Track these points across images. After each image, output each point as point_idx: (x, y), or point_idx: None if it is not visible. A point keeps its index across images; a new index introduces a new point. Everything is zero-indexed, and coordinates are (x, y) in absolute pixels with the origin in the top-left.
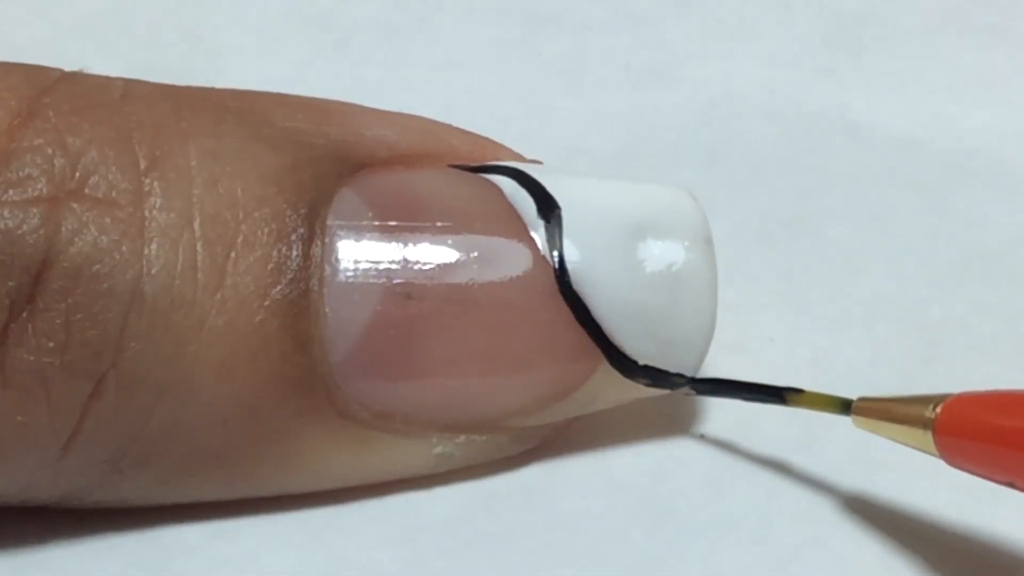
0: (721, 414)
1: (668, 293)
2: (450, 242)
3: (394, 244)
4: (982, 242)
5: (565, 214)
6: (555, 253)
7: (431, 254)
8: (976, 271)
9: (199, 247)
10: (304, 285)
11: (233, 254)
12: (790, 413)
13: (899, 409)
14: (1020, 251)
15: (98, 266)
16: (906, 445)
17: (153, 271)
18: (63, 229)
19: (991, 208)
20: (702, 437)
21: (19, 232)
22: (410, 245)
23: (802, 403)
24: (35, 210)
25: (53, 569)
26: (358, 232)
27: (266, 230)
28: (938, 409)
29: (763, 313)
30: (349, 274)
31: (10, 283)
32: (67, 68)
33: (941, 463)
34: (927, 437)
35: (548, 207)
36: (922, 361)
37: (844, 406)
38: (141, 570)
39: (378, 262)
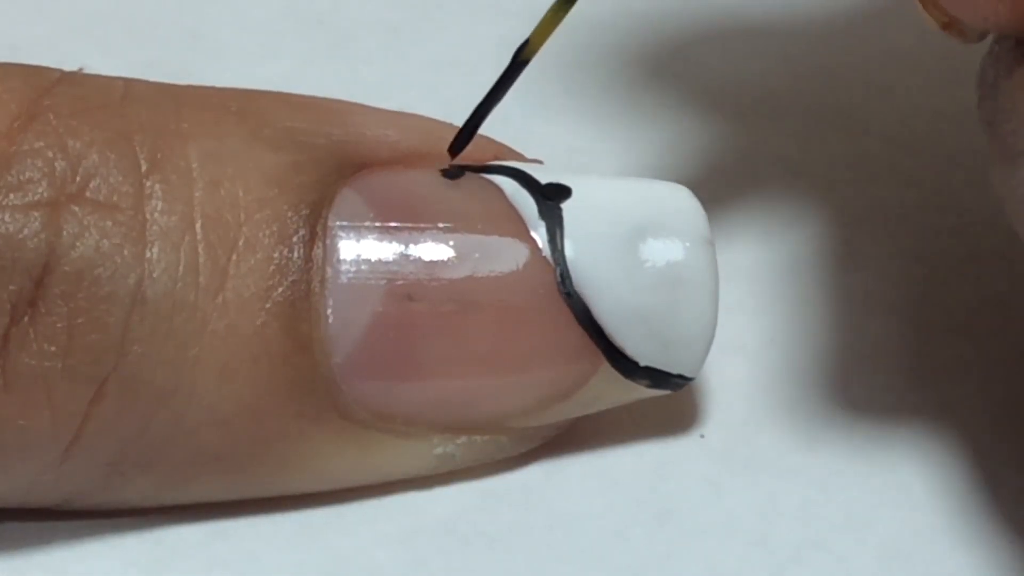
0: (721, 414)
1: (669, 293)
2: (451, 242)
3: (395, 245)
4: (982, 239)
5: (566, 214)
6: (556, 253)
7: (432, 255)
8: (977, 269)
9: (200, 250)
10: (305, 287)
11: (235, 256)
12: (790, 414)
13: None
14: (1020, 250)
15: (100, 270)
16: None
17: (155, 274)
18: (64, 233)
19: (992, 206)
20: (702, 437)
21: (20, 236)
22: (411, 246)
23: (537, 45)
24: (36, 214)
25: (53, 569)
26: (359, 233)
27: (267, 232)
28: None
29: (763, 313)
30: (350, 275)
31: (12, 287)
32: (67, 68)
33: (941, 466)
34: None
35: (549, 207)
36: (922, 360)
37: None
38: (141, 570)
39: (379, 263)
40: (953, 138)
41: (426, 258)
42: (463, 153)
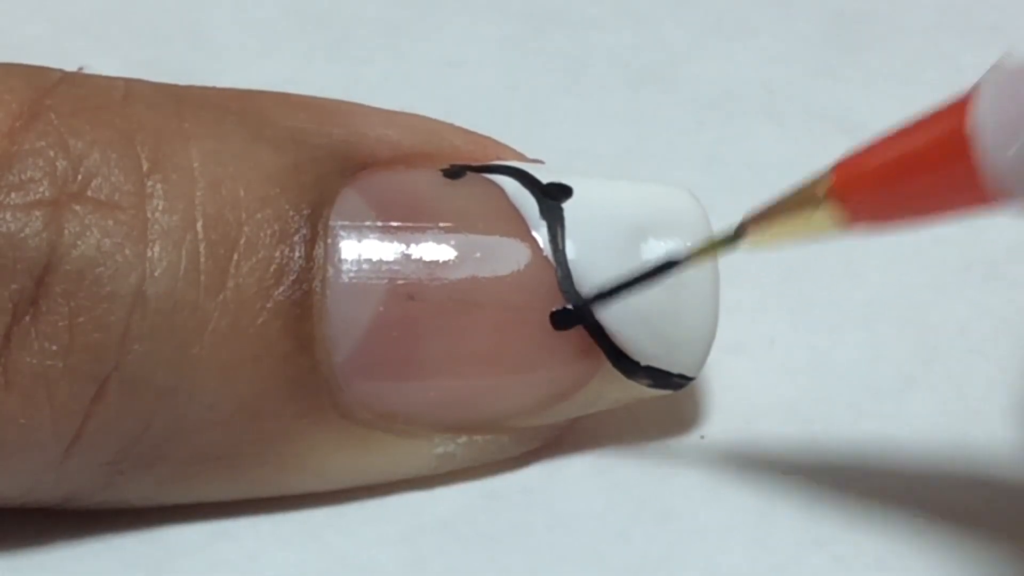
0: (722, 415)
1: (670, 293)
2: (452, 242)
3: (396, 244)
4: (982, 244)
5: (567, 214)
6: (557, 253)
7: (433, 254)
8: (977, 274)
9: (202, 249)
10: (307, 286)
11: (236, 256)
12: (790, 414)
13: (787, 200)
14: (1020, 254)
15: (101, 269)
16: (806, 236)
17: (156, 273)
18: (66, 232)
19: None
20: (702, 438)
21: (22, 235)
22: (412, 245)
23: (697, 258)
24: (38, 213)
25: (53, 569)
26: (360, 232)
27: (268, 231)
28: (829, 178)
29: (763, 315)
30: (351, 275)
31: (13, 286)
32: (67, 68)
33: (941, 467)
34: (824, 215)
35: (550, 207)
36: (922, 364)
37: (735, 234)
38: (141, 570)
39: (380, 262)
40: None
41: (427, 258)
42: (464, 153)
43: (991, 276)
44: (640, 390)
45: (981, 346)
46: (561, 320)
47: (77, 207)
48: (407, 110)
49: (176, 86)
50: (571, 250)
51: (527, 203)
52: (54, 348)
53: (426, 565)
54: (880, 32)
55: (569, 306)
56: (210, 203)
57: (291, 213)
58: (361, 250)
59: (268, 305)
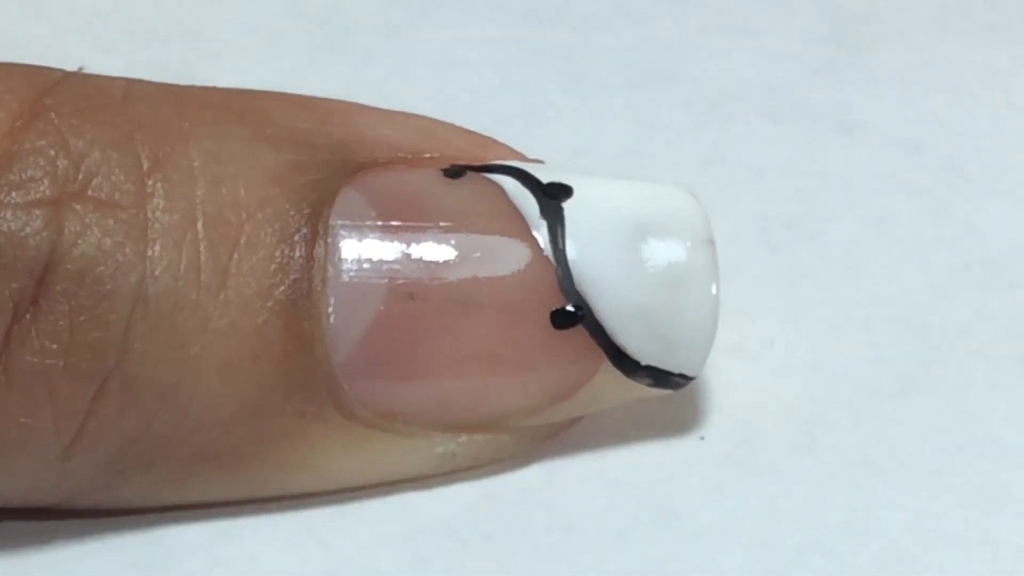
0: (722, 416)
1: (670, 293)
2: (452, 242)
3: (397, 244)
4: (983, 246)
5: (567, 214)
6: (557, 253)
7: (433, 254)
8: (976, 275)
9: (202, 248)
10: (307, 285)
11: (236, 255)
12: (790, 415)
13: None
14: (1021, 255)
15: (101, 268)
16: None
17: (156, 273)
18: (66, 231)
19: (992, 211)
20: (702, 439)
21: (22, 234)
22: (412, 245)
23: None
24: (38, 212)
25: (53, 569)
26: (361, 232)
27: (269, 230)
28: None
29: (763, 316)
30: (352, 274)
31: (13, 285)
32: (67, 68)
33: (940, 468)
34: None
35: (550, 207)
36: (922, 365)
37: None
38: (141, 570)
39: (381, 262)
40: (954, 140)
41: (427, 257)
42: (464, 152)
43: (991, 276)
44: (640, 390)
45: (981, 347)
46: (561, 320)
47: (78, 206)
48: (407, 110)
49: (176, 86)
50: (571, 249)
51: (527, 203)
52: (54, 347)
53: (426, 565)
54: (880, 32)
55: (569, 306)
56: (210, 202)
57: (291, 212)
58: (361, 249)
59: (268, 304)
